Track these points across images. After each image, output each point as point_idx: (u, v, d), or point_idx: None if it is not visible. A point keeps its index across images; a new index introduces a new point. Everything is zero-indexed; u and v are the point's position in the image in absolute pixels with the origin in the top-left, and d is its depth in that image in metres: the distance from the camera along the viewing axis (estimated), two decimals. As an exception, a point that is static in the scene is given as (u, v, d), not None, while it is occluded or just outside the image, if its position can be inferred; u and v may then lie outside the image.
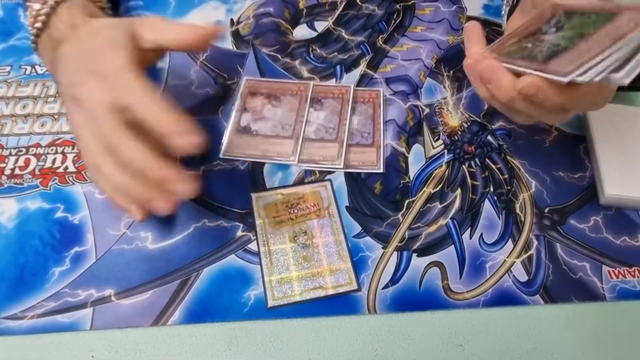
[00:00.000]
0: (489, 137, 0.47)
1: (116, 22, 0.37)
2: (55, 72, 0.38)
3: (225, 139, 0.45)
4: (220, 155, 0.44)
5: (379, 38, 0.55)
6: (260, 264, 0.38)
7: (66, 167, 0.42)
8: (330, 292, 0.37)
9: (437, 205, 0.42)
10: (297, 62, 0.52)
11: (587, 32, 0.32)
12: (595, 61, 0.29)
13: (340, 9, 0.58)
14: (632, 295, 0.38)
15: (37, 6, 0.38)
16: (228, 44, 0.53)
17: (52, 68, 0.39)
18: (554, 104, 0.33)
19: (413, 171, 0.44)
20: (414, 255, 0.39)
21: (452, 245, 0.40)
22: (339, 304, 0.36)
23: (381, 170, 0.44)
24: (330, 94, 0.49)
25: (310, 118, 0.47)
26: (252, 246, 0.39)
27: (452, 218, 0.42)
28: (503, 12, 0.48)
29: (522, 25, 0.38)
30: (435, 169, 0.44)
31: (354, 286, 0.37)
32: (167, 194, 0.32)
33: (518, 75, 0.34)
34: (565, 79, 0.30)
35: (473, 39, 0.38)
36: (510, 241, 0.40)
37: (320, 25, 0.56)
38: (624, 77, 0.28)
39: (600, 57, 0.29)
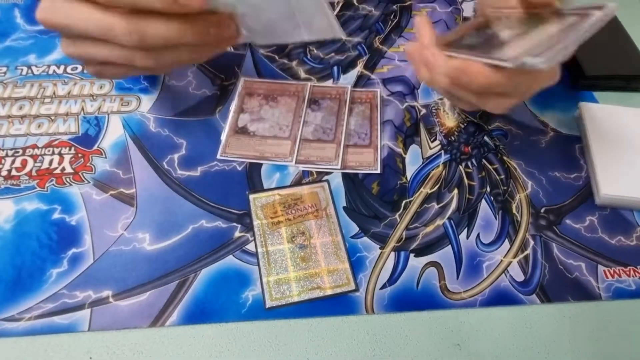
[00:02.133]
0: (486, 138, 0.47)
1: None
2: None
3: (222, 140, 0.45)
4: (218, 156, 0.44)
5: (376, 39, 0.55)
6: (258, 264, 0.38)
7: (63, 168, 0.42)
8: (328, 292, 0.37)
9: (434, 206, 0.42)
10: (294, 63, 0.52)
11: (523, 31, 0.35)
12: (537, 49, 0.31)
13: (337, 9, 0.58)
14: (628, 295, 0.38)
15: None
16: (225, 45, 0.53)
17: None
18: (480, 86, 0.34)
19: (410, 172, 0.44)
20: (412, 255, 0.39)
21: (449, 246, 0.40)
22: (336, 305, 0.37)
23: (378, 171, 0.44)
24: (328, 94, 0.49)
25: (308, 119, 0.47)
26: (250, 247, 0.39)
27: (449, 218, 0.42)
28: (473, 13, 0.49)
29: (464, 25, 0.42)
30: (432, 170, 0.45)
31: (352, 286, 0.37)
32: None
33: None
34: (511, 65, 0.31)
35: (422, 31, 0.39)
36: (506, 241, 0.41)
37: (317, 26, 0.56)
38: (544, 62, 0.30)
39: (541, 46, 0.31)
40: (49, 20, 0.31)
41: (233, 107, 0.47)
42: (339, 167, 0.44)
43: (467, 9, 0.59)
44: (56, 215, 0.39)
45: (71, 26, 0.31)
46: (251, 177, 0.43)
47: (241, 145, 0.45)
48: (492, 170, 0.45)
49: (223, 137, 0.45)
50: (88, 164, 0.43)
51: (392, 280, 0.38)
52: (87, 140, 0.44)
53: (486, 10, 0.41)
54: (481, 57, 0.34)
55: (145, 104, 0.47)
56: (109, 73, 0.36)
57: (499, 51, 0.34)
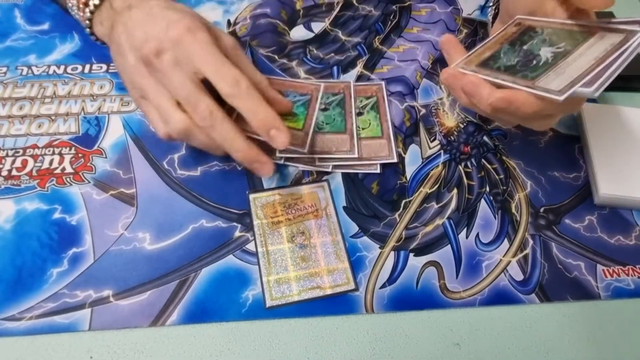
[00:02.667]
0: (485, 138, 0.47)
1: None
2: (115, 34, 0.39)
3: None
4: None
5: (376, 39, 0.55)
6: (259, 264, 0.38)
7: (63, 168, 0.42)
8: (328, 292, 0.37)
9: (434, 205, 0.43)
10: (294, 63, 0.52)
11: (566, 50, 0.35)
12: (583, 81, 0.31)
13: (337, 10, 0.58)
14: (626, 294, 0.39)
15: None
16: (225, 45, 0.53)
17: (109, 34, 0.41)
18: (526, 114, 0.34)
19: (410, 171, 0.44)
20: (411, 255, 0.40)
21: (449, 245, 0.40)
22: (336, 304, 0.37)
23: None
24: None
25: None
26: (250, 246, 0.39)
27: (448, 218, 0.42)
28: (489, 16, 0.48)
29: (493, 36, 0.41)
30: (432, 169, 0.45)
31: (352, 286, 0.37)
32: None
33: (498, 86, 0.36)
34: (561, 98, 0.31)
35: (451, 51, 0.41)
36: (506, 241, 0.41)
37: (317, 26, 0.56)
38: (595, 92, 0.31)
39: (587, 77, 0.32)
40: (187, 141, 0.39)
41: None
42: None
43: (466, 9, 0.59)
44: (57, 215, 0.40)
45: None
46: (251, 177, 0.43)
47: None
48: (492, 169, 0.45)
49: None
50: (88, 164, 0.43)
51: (391, 279, 0.38)
52: (87, 140, 0.44)
53: (517, 16, 0.40)
54: (528, 88, 0.33)
55: (145, 104, 0.47)
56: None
57: (545, 78, 0.34)
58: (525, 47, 0.38)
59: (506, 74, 0.36)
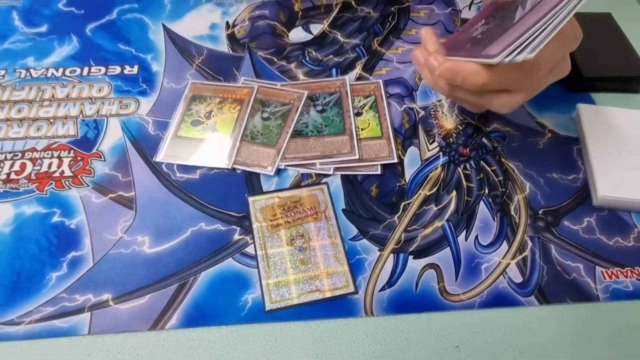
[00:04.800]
0: (484, 140, 0.47)
1: None
2: None
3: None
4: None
5: (374, 41, 0.55)
6: (258, 267, 0.38)
7: (62, 172, 0.42)
8: (328, 294, 0.37)
9: (433, 208, 0.43)
10: (292, 65, 0.52)
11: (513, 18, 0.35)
12: (518, 42, 0.31)
13: (336, 11, 0.58)
14: (625, 296, 0.39)
15: None
16: (224, 47, 0.53)
17: None
18: (474, 85, 0.34)
19: (409, 174, 0.44)
20: (410, 257, 0.40)
21: (448, 247, 0.40)
22: (336, 307, 0.37)
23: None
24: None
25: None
26: (250, 249, 0.39)
27: (447, 220, 0.42)
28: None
29: (467, 23, 0.41)
30: (431, 172, 0.45)
31: (351, 289, 0.37)
32: None
33: None
34: (493, 60, 0.31)
35: (429, 40, 0.41)
36: (505, 243, 0.41)
37: (316, 28, 0.56)
38: (529, 53, 0.30)
39: (523, 39, 0.31)
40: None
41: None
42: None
43: (465, 10, 0.59)
44: (55, 219, 0.40)
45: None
46: (250, 180, 0.43)
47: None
48: (491, 171, 0.45)
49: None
50: (87, 167, 0.43)
51: (391, 282, 0.38)
52: (86, 143, 0.44)
53: None
54: (472, 57, 0.34)
55: (144, 107, 0.47)
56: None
57: (491, 47, 0.34)
58: (496, 21, 0.38)
59: (466, 51, 0.36)
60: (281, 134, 0.45)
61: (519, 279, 0.39)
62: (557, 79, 0.39)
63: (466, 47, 0.37)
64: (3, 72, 0.49)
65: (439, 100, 0.50)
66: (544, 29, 0.31)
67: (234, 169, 0.43)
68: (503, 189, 0.44)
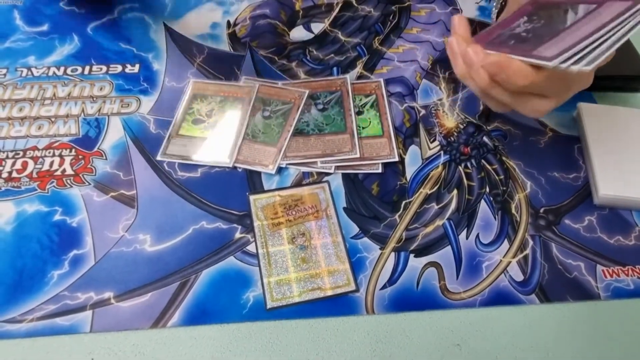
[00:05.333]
0: (485, 138, 0.47)
1: None
2: None
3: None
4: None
5: (375, 40, 0.55)
6: (259, 265, 0.38)
7: (64, 170, 0.42)
8: (329, 293, 0.37)
9: (434, 206, 0.43)
10: (293, 64, 0.52)
11: (568, 19, 0.34)
12: (576, 49, 0.30)
13: (337, 10, 0.58)
14: (626, 294, 0.39)
15: None
16: (225, 46, 0.53)
17: None
18: (519, 86, 0.33)
19: (410, 172, 0.45)
20: (411, 255, 0.40)
21: (449, 246, 0.40)
22: (337, 305, 0.37)
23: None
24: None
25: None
26: (251, 248, 0.39)
27: (448, 219, 0.42)
28: (492, 15, 0.48)
29: (505, 18, 0.39)
30: (432, 170, 0.45)
31: (352, 287, 0.38)
32: None
33: None
34: (551, 63, 0.30)
35: (460, 29, 0.38)
36: (506, 241, 0.41)
37: (317, 27, 0.56)
38: (586, 65, 0.29)
39: (581, 46, 0.30)
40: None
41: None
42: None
43: (466, 9, 0.59)
44: (57, 217, 0.40)
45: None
46: (251, 178, 0.43)
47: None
48: (492, 170, 0.45)
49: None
50: (89, 166, 0.43)
51: (392, 280, 0.38)
52: (87, 141, 0.44)
53: None
54: (522, 56, 0.32)
55: (145, 106, 0.48)
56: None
57: (543, 47, 0.32)
58: (542, 20, 0.36)
59: (508, 47, 0.34)
60: (282, 132, 0.45)
61: (520, 277, 0.39)
62: (579, 91, 0.38)
63: (509, 44, 0.36)
64: (4, 71, 0.49)
65: (440, 99, 0.50)
66: (604, 41, 0.30)
67: (235, 168, 0.43)
68: (504, 188, 0.44)
